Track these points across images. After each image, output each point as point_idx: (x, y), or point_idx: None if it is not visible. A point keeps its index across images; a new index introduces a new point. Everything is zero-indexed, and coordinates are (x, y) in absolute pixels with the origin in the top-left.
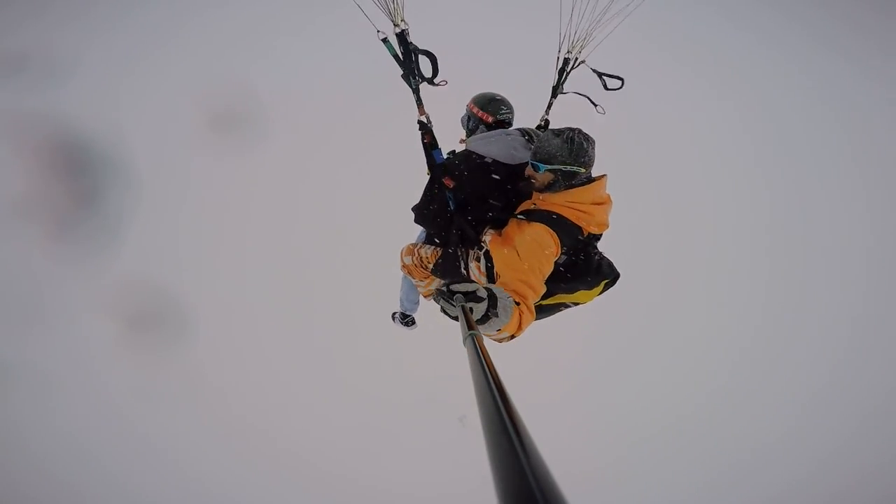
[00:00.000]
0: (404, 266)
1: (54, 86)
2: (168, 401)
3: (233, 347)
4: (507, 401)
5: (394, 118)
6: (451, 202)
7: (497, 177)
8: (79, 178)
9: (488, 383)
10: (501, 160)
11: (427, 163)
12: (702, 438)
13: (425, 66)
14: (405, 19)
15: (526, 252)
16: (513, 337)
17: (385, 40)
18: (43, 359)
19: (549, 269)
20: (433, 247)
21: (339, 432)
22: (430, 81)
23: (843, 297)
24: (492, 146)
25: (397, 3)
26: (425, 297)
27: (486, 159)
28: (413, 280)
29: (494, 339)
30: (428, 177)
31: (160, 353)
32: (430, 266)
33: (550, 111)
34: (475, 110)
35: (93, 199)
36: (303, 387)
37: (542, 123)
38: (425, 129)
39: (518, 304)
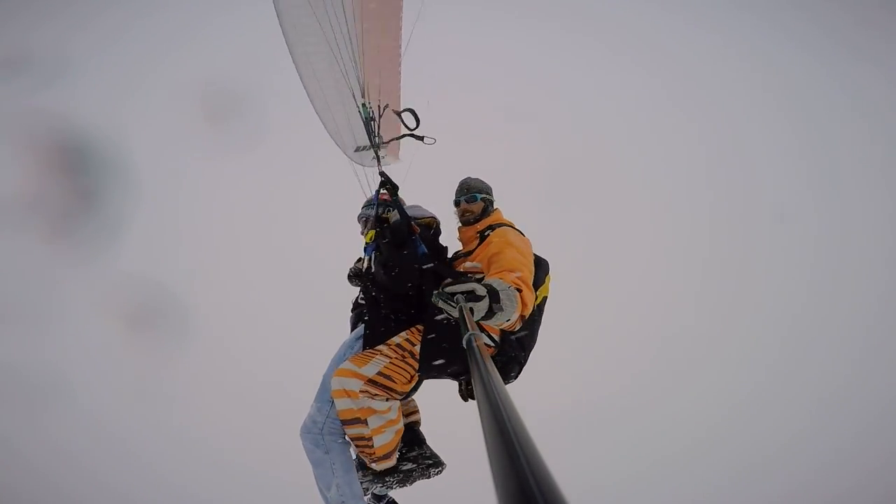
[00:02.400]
0: (359, 393)
1: (55, 86)
2: (168, 400)
3: (235, 346)
4: (506, 400)
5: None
6: (420, 247)
7: (436, 226)
8: (79, 178)
9: (486, 382)
10: (429, 215)
11: (384, 222)
12: (719, 444)
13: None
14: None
15: (515, 241)
16: (523, 318)
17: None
18: (43, 358)
19: (532, 254)
20: (404, 332)
21: None
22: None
23: (863, 306)
24: (414, 210)
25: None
26: (379, 456)
27: (419, 219)
28: (370, 422)
29: (507, 327)
30: (376, 252)
31: (160, 352)
32: (419, 346)
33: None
34: (381, 199)
35: (93, 199)
36: (306, 386)
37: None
38: (391, 182)
39: (520, 290)
